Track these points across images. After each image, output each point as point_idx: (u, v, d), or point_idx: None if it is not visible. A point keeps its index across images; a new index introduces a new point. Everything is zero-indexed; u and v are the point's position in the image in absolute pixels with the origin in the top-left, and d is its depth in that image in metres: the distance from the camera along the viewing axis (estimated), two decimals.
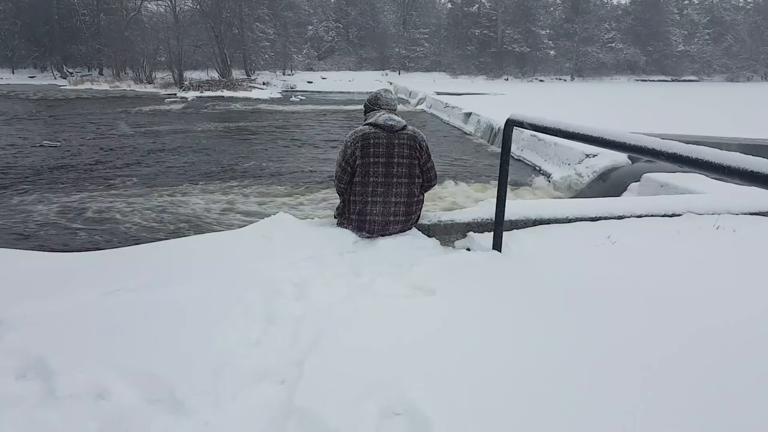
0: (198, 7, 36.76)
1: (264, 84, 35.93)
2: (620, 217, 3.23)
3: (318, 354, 1.77)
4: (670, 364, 1.68)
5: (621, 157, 6.89)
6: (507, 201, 2.65)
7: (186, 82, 32.71)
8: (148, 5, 43.34)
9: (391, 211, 2.90)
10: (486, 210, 3.16)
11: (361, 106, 3.32)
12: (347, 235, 2.93)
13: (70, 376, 1.62)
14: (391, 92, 3.24)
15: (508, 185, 2.65)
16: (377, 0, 56.63)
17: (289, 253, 2.65)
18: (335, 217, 3.17)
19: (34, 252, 2.97)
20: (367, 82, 40.78)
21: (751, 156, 1.23)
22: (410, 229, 3.00)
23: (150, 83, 35.65)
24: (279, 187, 7.70)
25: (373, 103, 3.14)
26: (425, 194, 3.12)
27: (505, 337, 1.87)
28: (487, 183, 7.90)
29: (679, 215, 3.31)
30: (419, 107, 21.69)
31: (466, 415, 1.45)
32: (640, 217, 3.26)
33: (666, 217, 3.27)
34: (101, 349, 1.77)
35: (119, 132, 13.57)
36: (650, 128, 8.41)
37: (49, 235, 5.49)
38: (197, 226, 5.83)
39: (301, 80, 40.42)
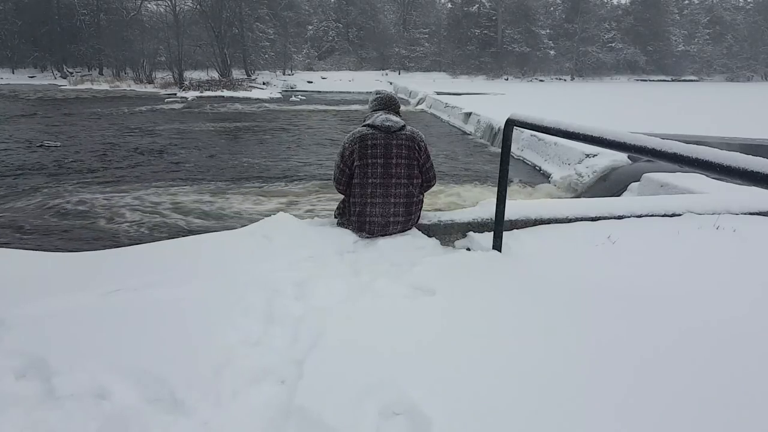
0: (198, 7, 36.75)
1: (264, 84, 35.90)
2: (620, 217, 3.23)
3: (318, 354, 1.77)
4: (670, 363, 1.68)
5: (621, 157, 6.89)
6: (507, 201, 2.65)
7: (186, 82, 32.69)
8: (148, 5, 43.34)
9: (391, 212, 2.90)
10: (486, 210, 3.16)
11: (362, 106, 3.32)
12: (347, 235, 2.93)
13: (70, 376, 1.62)
14: (391, 92, 3.23)
15: (508, 185, 2.64)
16: (377, 0, 56.62)
17: (289, 253, 2.65)
18: (335, 217, 3.17)
19: (34, 252, 2.96)
20: (367, 82, 40.74)
21: (751, 156, 1.23)
22: (410, 229, 3.00)
23: (150, 83, 35.62)
24: (279, 186, 7.71)
25: (374, 103, 3.13)
26: (425, 194, 3.12)
27: (505, 337, 1.87)
28: (487, 183, 7.91)
29: (679, 215, 3.30)
30: (419, 107, 21.64)
31: (466, 415, 1.45)
32: (640, 217, 3.26)
33: (666, 217, 3.27)
34: (101, 349, 1.77)
35: (112, 134, 13.55)
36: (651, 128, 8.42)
37: (49, 235, 5.49)
38: (197, 225, 5.83)
39: (301, 80, 40.37)
